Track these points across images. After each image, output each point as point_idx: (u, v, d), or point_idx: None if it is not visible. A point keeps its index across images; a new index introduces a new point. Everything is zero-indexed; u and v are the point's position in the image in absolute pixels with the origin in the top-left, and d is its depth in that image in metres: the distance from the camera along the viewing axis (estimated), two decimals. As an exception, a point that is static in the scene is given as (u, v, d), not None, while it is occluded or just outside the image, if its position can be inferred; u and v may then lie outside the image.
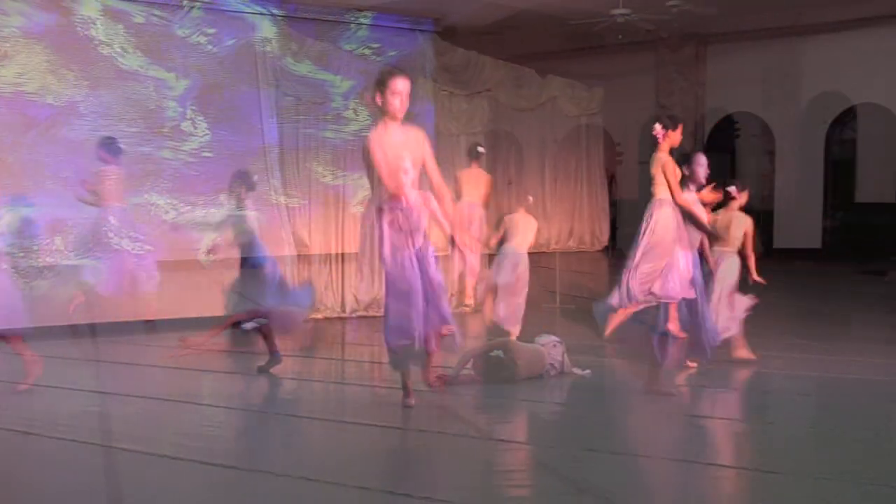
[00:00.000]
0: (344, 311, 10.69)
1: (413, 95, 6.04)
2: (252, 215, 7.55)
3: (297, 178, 10.54)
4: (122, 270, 8.75)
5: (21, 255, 8.72)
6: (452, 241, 5.94)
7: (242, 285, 7.50)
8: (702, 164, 6.86)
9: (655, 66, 16.87)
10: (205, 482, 4.77)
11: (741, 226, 7.82)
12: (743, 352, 7.77)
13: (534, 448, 5.55)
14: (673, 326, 6.70)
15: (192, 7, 10.01)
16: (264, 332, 7.51)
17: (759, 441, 5.69)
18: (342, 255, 10.68)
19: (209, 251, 7.86)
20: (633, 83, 16.32)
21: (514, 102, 13.04)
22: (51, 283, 8.95)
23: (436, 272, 5.89)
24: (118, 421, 5.90)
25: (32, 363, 6.74)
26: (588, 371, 7.28)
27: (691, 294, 6.57)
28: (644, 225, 6.54)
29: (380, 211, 5.83)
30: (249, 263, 7.49)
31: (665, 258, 6.46)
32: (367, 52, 11.07)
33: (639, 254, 6.52)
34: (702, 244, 7.29)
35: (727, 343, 7.57)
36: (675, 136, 6.65)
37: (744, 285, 7.82)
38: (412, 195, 5.79)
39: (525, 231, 8.67)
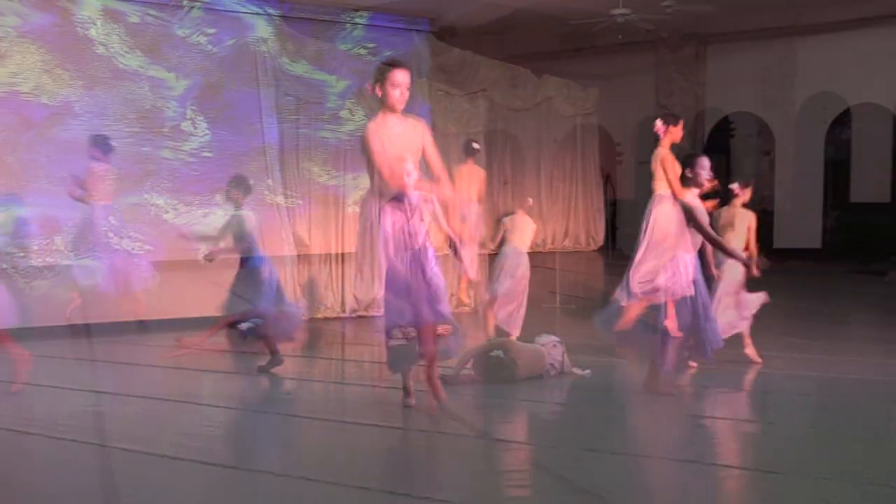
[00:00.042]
0: (344, 311, 10.69)
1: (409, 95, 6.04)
2: (250, 217, 7.55)
3: (297, 178, 10.55)
4: (114, 269, 8.74)
5: (21, 255, 8.70)
6: (452, 243, 5.93)
7: (238, 286, 7.50)
8: (704, 167, 6.74)
9: (655, 66, 16.85)
10: (205, 482, 4.77)
11: (745, 221, 7.84)
12: (751, 350, 7.77)
13: (534, 448, 5.54)
14: (670, 324, 6.68)
15: (191, 7, 10.00)
16: (262, 334, 7.50)
17: (759, 441, 5.70)
18: (342, 254, 10.69)
19: (207, 257, 7.85)
20: (632, 83, 16.31)
21: (509, 102, 13.02)
22: (49, 282, 8.94)
23: (436, 272, 5.89)
24: (118, 421, 5.90)
25: (21, 361, 6.68)
26: (588, 371, 7.28)
27: (691, 292, 6.56)
28: (644, 223, 6.55)
29: (381, 211, 5.83)
30: (247, 265, 7.49)
31: (667, 255, 6.45)
32: (362, 51, 11.05)
33: (641, 251, 6.52)
34: (703, 247, 7.27)
35: (731, 341, 7.54)
36: (676, 133, 6.67)
37: (751, 284, 7.80)
38: (414, 196, 5.80)
39: (523, 232, 8.67)
